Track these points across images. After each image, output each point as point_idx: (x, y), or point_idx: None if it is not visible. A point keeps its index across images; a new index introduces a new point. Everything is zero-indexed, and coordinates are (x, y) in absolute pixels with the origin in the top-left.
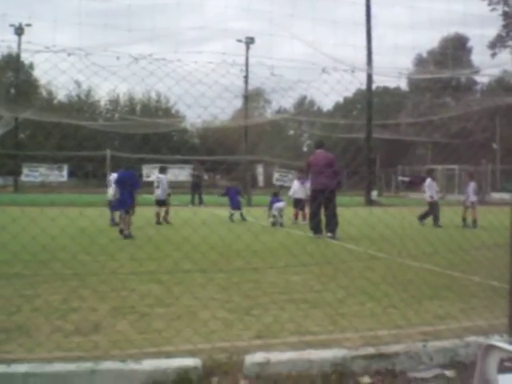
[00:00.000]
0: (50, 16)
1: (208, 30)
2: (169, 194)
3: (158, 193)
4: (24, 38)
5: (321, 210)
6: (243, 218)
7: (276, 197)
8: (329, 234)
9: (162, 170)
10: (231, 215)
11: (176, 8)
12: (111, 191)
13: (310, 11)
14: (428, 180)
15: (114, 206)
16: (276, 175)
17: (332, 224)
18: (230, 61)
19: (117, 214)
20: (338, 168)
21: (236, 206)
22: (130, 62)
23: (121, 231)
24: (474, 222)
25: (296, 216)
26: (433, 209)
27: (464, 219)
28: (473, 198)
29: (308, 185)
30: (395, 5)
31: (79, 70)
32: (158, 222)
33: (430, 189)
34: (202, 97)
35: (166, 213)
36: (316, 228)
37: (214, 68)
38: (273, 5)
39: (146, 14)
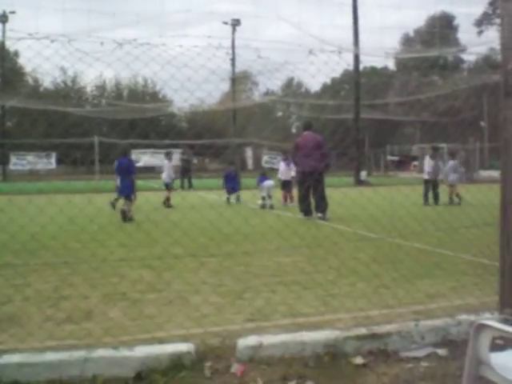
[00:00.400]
0: (33, 3)
1: (193, 13)
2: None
3: (163, 176)
4: (8, 25)
5: (310, 192)
6: (238, 200)
7: (264, 176)
8: (319, 215)
9: (167, 156)
10: (227, 199)
11: None
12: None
13: None
14: (427, 158)
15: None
16: (265, 158)
17: (322, 205)
18: (215, 44)
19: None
20: (327, 150)
21: (232, 188)
22: (114, 47)
23: (123, 214)
24: (457, 196)
25: (285, 198)
26: (427, 187)
27: (450, 198)
28: (451, 176)
29: (293, 166)
30: None
31: (63, 57)
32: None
33: (429, 166)
34: (189, 81)
35: (167, 198)
36: (306, 210)
37: (199, 52)
38: None
39: None
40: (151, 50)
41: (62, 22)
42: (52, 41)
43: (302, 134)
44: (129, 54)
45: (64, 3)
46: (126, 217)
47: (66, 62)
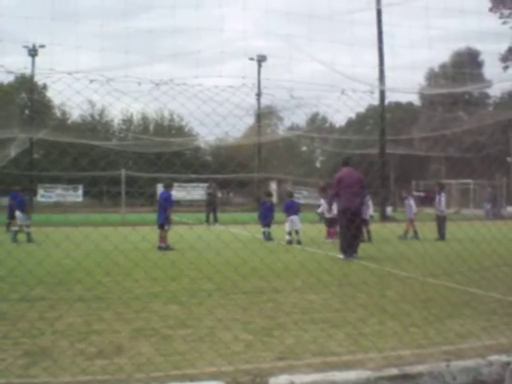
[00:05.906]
0: (66, 38)
1: (225, 49)
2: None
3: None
4: (38, 59)
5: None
6: (269, 238)
7: (291, 200)
8: (354, 254)
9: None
10: (263, 233)
11: (195, 30)
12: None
13: (326, 31)
14: (443, 194)
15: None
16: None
17: (356, 244)
18: (245, 81)
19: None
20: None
21: (267, 222)
22: (151, 87)
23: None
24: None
25: (332, 234)
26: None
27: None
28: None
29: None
30: (410, 24)
31: (95, 90)
32: None
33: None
34: (215, 115)
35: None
36: (348, 250)
37: (233, 92)
38: (288, 23)
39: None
40: (187, 91)
41: (95, 57)
42: (91, 81)
43: (341, 169)
44: (165, 94)
45: (102, 40)
46: (162, 248)
47: (96, 95)
